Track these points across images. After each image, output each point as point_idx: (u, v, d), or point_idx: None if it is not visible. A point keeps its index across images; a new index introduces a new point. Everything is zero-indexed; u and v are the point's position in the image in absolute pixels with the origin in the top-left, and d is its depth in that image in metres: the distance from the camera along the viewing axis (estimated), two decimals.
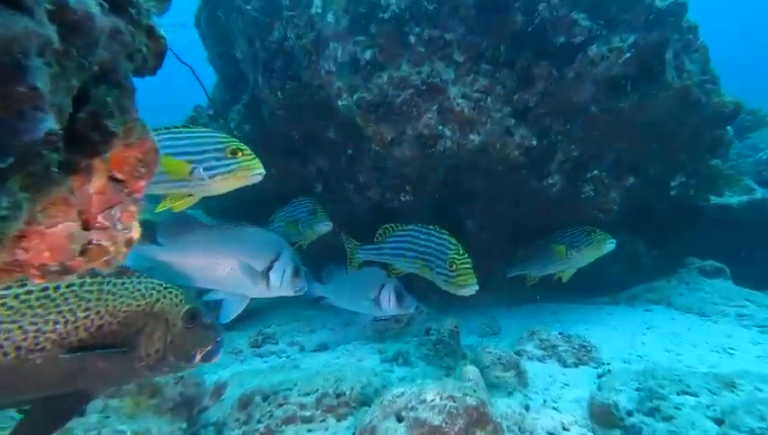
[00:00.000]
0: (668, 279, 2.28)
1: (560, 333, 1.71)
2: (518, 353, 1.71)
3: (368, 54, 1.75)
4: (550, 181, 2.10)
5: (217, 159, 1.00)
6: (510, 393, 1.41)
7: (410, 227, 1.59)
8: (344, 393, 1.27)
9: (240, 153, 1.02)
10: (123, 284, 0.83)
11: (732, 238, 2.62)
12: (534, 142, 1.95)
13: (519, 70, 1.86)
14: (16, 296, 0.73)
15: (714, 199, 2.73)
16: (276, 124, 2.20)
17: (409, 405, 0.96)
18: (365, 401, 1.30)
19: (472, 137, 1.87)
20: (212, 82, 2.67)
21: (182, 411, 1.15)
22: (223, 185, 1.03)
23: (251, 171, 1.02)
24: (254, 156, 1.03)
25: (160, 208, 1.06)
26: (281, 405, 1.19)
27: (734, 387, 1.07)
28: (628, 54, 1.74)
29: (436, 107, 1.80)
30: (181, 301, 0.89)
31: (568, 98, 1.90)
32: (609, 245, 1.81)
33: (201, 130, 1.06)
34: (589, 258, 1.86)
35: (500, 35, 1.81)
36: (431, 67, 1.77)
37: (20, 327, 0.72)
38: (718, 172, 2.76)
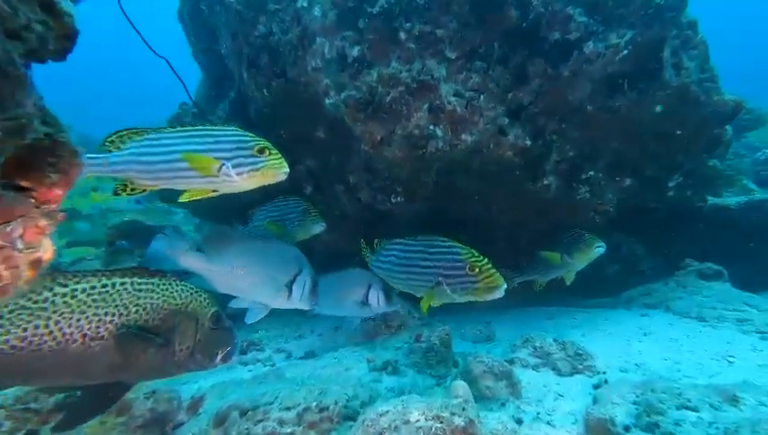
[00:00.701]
0: (666, 282, 2.23)
1: (555, 340, 1.65)
2: (512, 361, 1.65)
3: (356, 51, 1.68)
4: (545, 182, 2.04)
5: (245, 156, 1.04)
6: (502, 405, 1.35)
7: (398, 241, 1.49)
8: (327, 408, 1.20)
9: (267, 152, 1.06)
10: (163, 285, 0.92)
11: (730, 239, 2.58)
12: (529, 142, 1.89)
13: (513, 67, 1.80)
14: (83, 290, 0.83)
15: (711, 200, 2.69)
16: (263, 123, 2.13)
17: (393, 425, 0.90)
18: (350, 416, 1.23)
19: (464, 137, 1.81)
20: (199, 77, 2.59)
21: (153, 429, 1.08)
22: (249, 182, 1.07)
23: (277, 170, 1.06)
24: (280, 155, 1.08)
25: (182, 200, 1.11)
26: (259, 421, 1.13)
27: (737, 401, 1.01)
28: (625, 52, 1.68)
29: (427, 106, 1.73)
30: (209, 304, 0.99)
31: (563, 97, 1.84)
32: (598, 249, 1.83)
33: (230, 128, 1.10)
34: (583, 262, 1.88)
35: (494, 31, 1.74)
36: (422, 64, 1.71)
37: (86, 317, 0.83)
38: (716, 172, 2.72)
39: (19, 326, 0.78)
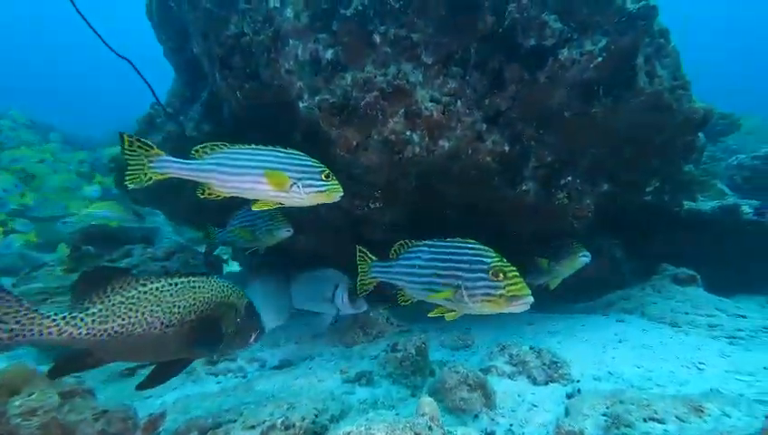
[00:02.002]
0: (643, 287, 2.25)
1: (531, 348, 1.64)
2: (488, 369, 1.63)
3: (330, 53, 1.64)
4: (524, 188, 2.03)
5: (315, 179, 1.29)
6: (476, 417, 1.33)
7: (425, 241, 1.37)
8: (294, 425, 1.16)
9: (331, 177, 1.32)
10: (211, 282, 1.16)
11: (705, 243, 2.63)
12: (507, 148, 1.88)
13: (490, 72, 1.78)
14: (158, 289, 1.06)
15: (687, 204, 2.74)
16: (238, 125, 2.06)
17: None
18: (317, 432, 1.19)
19: (442, 142, 1.79)
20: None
21: None
22: (312, 200, 1.31)
23: (336, 193, 1.32)
24: (337, 181, 1.32)
25: (254, 208, 1.34)
26: None
27: (702, 412, 1.01)
28: (600, 59, 1.68)
29: (403, 111, 1.70)
30: (242, 296, 1.22)
31: (540, 102, 1.84)
32: (583, 258, 1.86)
33: (302, 154, 1.33)
34: (569, 270, 1.93)
35: (470, 36, 1.73)
36: (398, 68, 1.68)
37: (162, 309, 1.05)
38: (691, 178, 2.78)
39: (118, 317, 1.01)
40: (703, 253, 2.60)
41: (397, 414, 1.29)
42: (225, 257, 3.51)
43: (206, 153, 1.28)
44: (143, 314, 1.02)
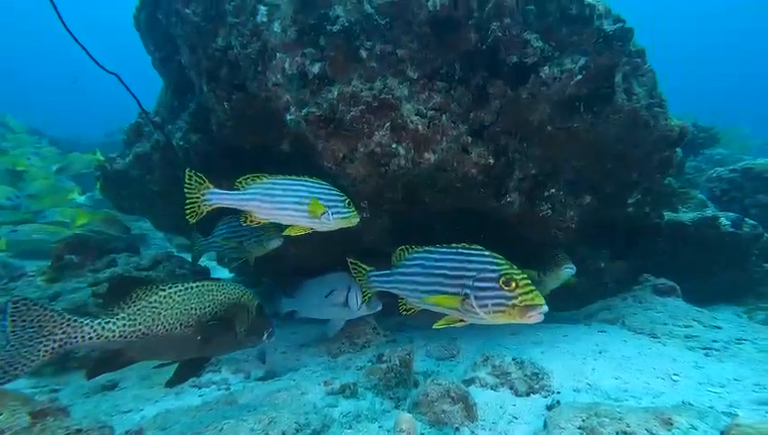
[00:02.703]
0: (624, 297, 2.30)
1: (513, 359, 1.66)
2: (471, 380, 1.65)
3: (317, 67, 1.67)
4: (508, 199, 2.07)
5: (340, 207, 1.46)
6: (456, 430, 1.34)
7: (427, 248, 1.31)
8: None
9: (351, 205, 1.50)
10: (224, 285, 1.27)
11: (685, 254, 2.70)
12: (492, 161, 1.92)
13: (474, 88, 1.83)
14: (177, 292, 1.18)
15: (668, 216, 2.81)
16: (225, 135, 2.07)
17: None
18: None
19: (427, 155, 1.82)
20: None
21: None
22: (337, 225, 1.48)
23: (355, 219, 1.51)
24: (355, 209, 1.51)
25: (285, 234, 1.52)
26: None
27: (671, 425, 1.04)
28: (579, 76, 1.73)
29: (388, 124, 1.73)
30: (253, 298, 1.33)
31: (523, 117, 1.89)
32: (568, 270, 1.90)
33: (327, 184, 1.51)
34: (555, 282, 1.97)
35: (454, 52, 1.77)
36: (383, 83, 1.71)
37: (182, 311, 1.17)
38: (671, 190, 2.85)
39: (144, 319, 1.12)
40: (684, 263, 2.66)
41: (380, 427, 1.30)
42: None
43: (248, 184, 1.44)
44: (165, 316, 1.14)
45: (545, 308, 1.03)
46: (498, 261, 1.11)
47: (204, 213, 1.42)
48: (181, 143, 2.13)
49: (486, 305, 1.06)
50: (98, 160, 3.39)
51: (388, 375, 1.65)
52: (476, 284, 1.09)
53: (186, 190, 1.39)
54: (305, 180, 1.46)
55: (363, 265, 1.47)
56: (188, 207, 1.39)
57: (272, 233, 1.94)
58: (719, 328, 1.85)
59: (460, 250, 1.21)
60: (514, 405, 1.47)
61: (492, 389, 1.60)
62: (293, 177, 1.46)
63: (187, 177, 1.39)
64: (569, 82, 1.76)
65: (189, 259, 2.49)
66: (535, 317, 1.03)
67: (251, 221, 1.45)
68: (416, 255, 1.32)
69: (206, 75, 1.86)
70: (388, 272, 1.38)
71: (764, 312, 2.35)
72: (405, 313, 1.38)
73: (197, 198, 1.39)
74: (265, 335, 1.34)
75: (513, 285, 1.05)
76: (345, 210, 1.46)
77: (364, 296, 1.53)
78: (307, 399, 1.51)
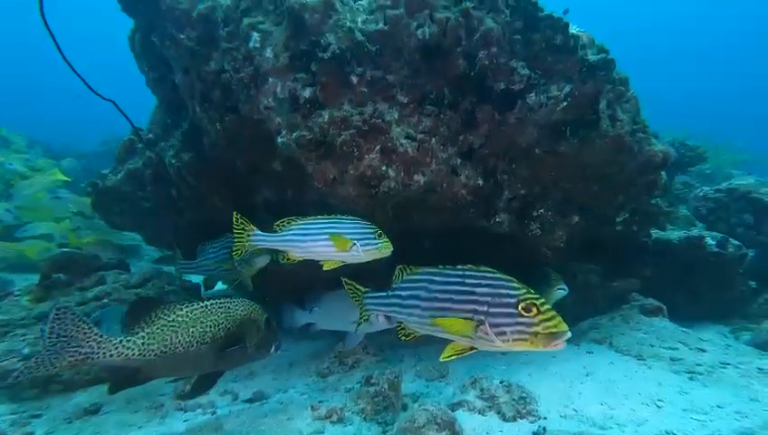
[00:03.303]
0: (612, 316, 2.32)
1: (501, 383, 1.67)
2: (459, 404, 1.65)
3: (308, 92, 1.69)
4: (497, 220, 2.10)
5: (369, 239, 1.55)
6: None
7: (429, 268, 1.20)
8: None
9: (382, 236, 1.58)
10: (235, 302, 1.35)
11: (673, 272, 2.74)
12: (480, 182, 1.95)
13: (463, 112, 1.86)
14: (192, 311, 1.26)
15: (656, 234, 2.86)
16: (218, 154, 2.08)
17: None
18: None
19: (417, 177, 1.84)
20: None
21: None
22: (370, 256, 1.56)
23: (388, 249, 1.57)
24: (387, 239, 1.58)
25: (326, 269, 1.60)
26: None
27: None
28: (565, 103, 1.78)
29: (378, 147, 1.76)
30: (262, 312, 1.42)
31: (511, 140, 1.93)
32: (560, 291, 1.92)
33: (358, 219, 1.60)
34: (549, 301, 1.98)
35: (444, 78, 1.81)
36: (374, 108, 1.74)
37: (197, 328, 1.24)
38: (659, 209, 2.90)
39: (162, 338, 1.19)
40: (671, 281, 2.70)
41: None
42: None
43: (284, 227, 1.59)
44: (182, 334, 1.21)
45: (569, 334, 0.94)
46: (514, 284, 1.01)
47: (247, 251, 1.61)
48: (173, 162, 2.14)
49: (505, 334, 0.96)
50: (59, 181, 3.36)
51: (375, 399, 1.65)
52: (492, 309, 0.98)
53: (234, 232, 1.57)
54: (336, 219, 1.59)
55: (358, 286, 1.42)
56: (236, 246, 1.58)
57: (258, 251, 1.95)
58: (704, 351, 1.87)
59: (469, 272, 1.08)
60: (501, 431, 1.47)
61: (479, 413, 1.60)
62: (325, 216, 1.61)
63: (234, 220, 1.57)
64: (555, 108, 1.81)
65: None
66: (560, 345, 0.93)
67: (288, 259, 1.60)
68: (418, 276, 1.19)
69: (199, 97, 1.88)
70: (384, 294, 1.29)
71: (750, 332, 2.38)
72: (404, 338, 1.26)
73: (244, 239, 1.57)
74: (273, 348, 1.42)
75: (535, 311, 0.94)
76: (376, 242, 1.55)
77: (360, 319, 1.49)
78: (293, 425, 1.50)
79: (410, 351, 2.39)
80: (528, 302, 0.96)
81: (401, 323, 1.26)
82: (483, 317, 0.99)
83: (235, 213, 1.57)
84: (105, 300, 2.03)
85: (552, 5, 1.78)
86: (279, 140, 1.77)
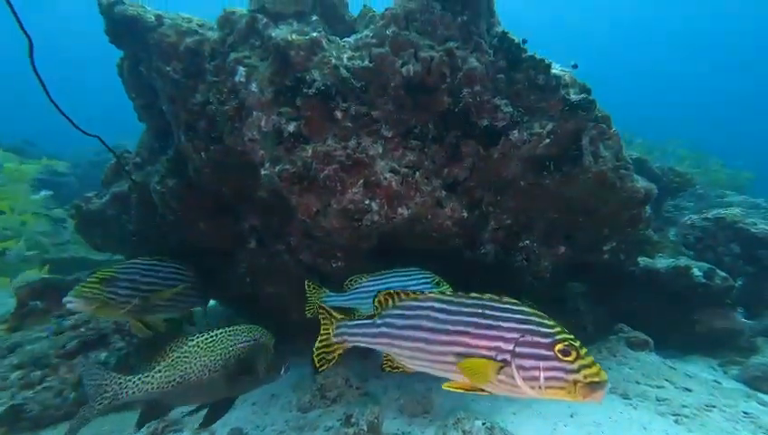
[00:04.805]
0: (599, 349, 2.29)
1: (483, 424, 1.63)
2: None
3: (292, 126, 1.70)
4: (482, 251, 2.09)
5: (430, 287, 1.68)
6: None
7: (431, 295, 1.01)
8: None
9: (442, 283, 1.72)
10: (244, 329, 1.40)
11: (659, 301, 2.73)
12: (465, 214, 1.95)
13: (448, 146, 1.88)
14: (203, 341, 1.33)
15: (643, 261, 2.86)
16: (203, 181, 2.07)
17: None
18: None
19: (401, 211, 1.84)
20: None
21: None
22: None
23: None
24: (448, 285, 1.72)
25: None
26: None
27: None
28: (548, 140, 1.80)
29: (362, 181, 1.76)
30: (270, 337, 1.46)
31: (496, 173, 1.93)
32: None
33: (417, 270, 1.73)
34: None
35: (428, 113, 1.83)
36: (357, 142, 1.74)
37: (209, 357, 1.30)
38: (645, 238, 2.92)
39: (177, 370, 1.28)
40: (658, 311, 2.68)
41: None
42: None
43: (352, 285, 1.73)
44: (194, 364, 1.29)
45: (609, 385, 0.80)
46: (547, 322, 0.84)
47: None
48: (158, 187, 2.12)
49: (536, 379, 0.80)
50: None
51: None
52: (520, 349, 0.82)
53: (307, 296, 1.74)
54: (397, 271, 1.72)
55: (333, 313, 1.17)
56: (308, 308, 1.74)
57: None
58: (690, 390, 1.85)
59: (489, 302, 0.90)
60: None
61: None
62: (387, 271, 1.72)
63: (307, 286, 1.75)
64: (538, 144, 1.83)
65: None
66: (599, 398, 0.79)
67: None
68: (419, 302, 0.98)
69: (185, 127, 1.88)
70: (369, 322, 1.07)
71: (738, 366, 2.36)
72: (389, 370, 1.07)
73: (315, 302, 1.71)
74: (283, 370, 1.46)
75: (574, 355, 0.79)
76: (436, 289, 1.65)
77: (333, 354, 1.17)
78: None
79: (395, 381, 2.33)
80: (566, 344, 0.80)
81: (389, 355, 1.06)
82: (508, 357, 0.82)
83: (306, 280, 1.76)
84: (82, 329, 1.98)
85: (538, 45, 1.81)
86: (262, 172, 1.77)
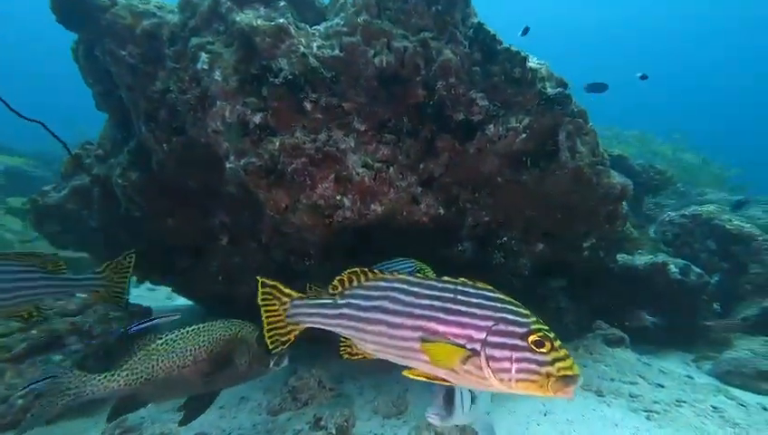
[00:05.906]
0: (576, 346, 2.29)
1: (456, 425, 1.59)
2: None
3: (258, 117, 1.61)
4: (460, 248, 2.05)
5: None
6: None
7: (407, 276, 0.90)
8: None
9: (425, 271, 1.62)
10: (218, 324, 1.37)
11: (638, 297, 2.75)
12: (442, 211, 1.90)
13: (423, 140, 1.82)
14: (171, 339, 1.31)
15: (622, 258, 2.88)
16: (167, 174, 1.97)
17: None
18: None
19: (374, 207, 1.78)
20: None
21: None
22: None
23: None
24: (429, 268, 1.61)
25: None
26: None
27: None
28: (524, 135, 1.76)
29: (333, 176, 1.68)
30: (254, 330, 1.40)
31: (473, 169, 1.89)
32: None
33: (404, 259, 1.63)
34: None
35: (403, 106, 1.77)
36: (328, 135, 1.67)
37: (176, 354, 1.30)
38: (624, 235, 2.93)
39: (144, 367, 1.27)
40: (637, 306, 2.70)
41: None
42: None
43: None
44: (161, 361, 1.28)
45: (581, 380, 0.75)
46: (522, 311, 0.78)
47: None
48: (120, 181, 2.01)
49: (507, 371, 0.74)
50: None
51: None
52: (492, 338, 0.76)
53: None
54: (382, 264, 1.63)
55: (287, 290, 1.01)
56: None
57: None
58: (662, 386, 1.85)
59: (462, 287, 0.82)
60: None
61: None
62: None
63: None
64: (514, 139, 1.79)
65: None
66: (570, 394, 0.73)
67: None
68: (387, 283, 0.89)
69: (145, 116, 1.77)
70: (330, 302, 0.94)
71: (711, 361, 2.39)
72: (347, 356, 0.95)
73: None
74: (272, 362, 1.42)
75: (548, 346, 0.73)
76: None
77: (289, 335, 1.01)
78: None
79: (372, 381, 2.28)
80: (541, 335, 0.74)
81: (347, 339, 0.94)
82: (478, 347, 0.76)
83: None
84: (33, 331, 1.85)
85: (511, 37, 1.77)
86: (227, 165, 1.68)
